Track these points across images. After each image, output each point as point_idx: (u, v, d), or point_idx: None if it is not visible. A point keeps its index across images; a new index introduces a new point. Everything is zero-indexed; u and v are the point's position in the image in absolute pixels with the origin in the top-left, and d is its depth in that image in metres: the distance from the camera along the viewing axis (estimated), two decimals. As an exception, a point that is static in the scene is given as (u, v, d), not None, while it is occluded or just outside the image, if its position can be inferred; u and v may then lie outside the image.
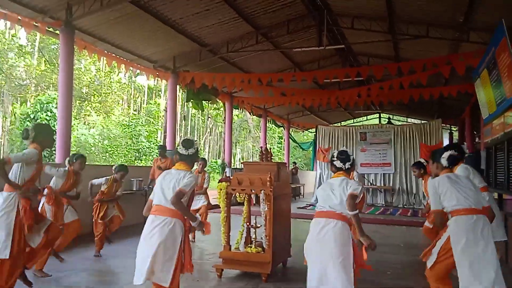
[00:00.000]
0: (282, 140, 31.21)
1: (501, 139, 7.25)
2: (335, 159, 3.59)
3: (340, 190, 3.39)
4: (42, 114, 19.83)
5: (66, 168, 5.50)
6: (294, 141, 25.04)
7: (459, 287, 3.34)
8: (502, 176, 7.10)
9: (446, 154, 3.70)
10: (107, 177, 6.27)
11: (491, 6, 8.10)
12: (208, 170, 8.66)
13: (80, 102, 28.12)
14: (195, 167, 7.34)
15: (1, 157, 3.84)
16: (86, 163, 5.78)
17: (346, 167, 3.56)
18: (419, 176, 6.19)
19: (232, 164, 17.51)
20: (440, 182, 3.58)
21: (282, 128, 24.07)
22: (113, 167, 6.46)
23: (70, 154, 6.47)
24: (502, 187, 7.14)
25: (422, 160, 6.33)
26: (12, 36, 24.92)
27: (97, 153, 25.78)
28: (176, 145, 3.58)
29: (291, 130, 23.49)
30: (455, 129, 21.42)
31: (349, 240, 3.29)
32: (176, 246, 3.25)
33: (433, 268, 3.54)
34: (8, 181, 3.94)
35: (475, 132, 15.64)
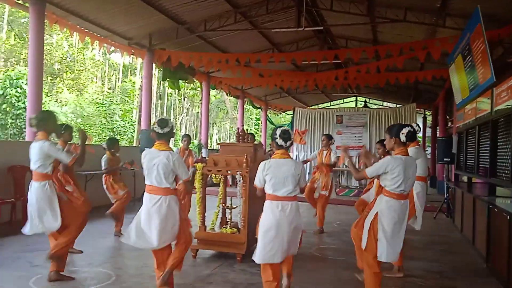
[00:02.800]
0: (260, 122, 31.17)
1: (472, 124, 7.41)
2: (278, 137, 3.69)
3: (291, 175, 3.61)
4: (12, 90, 19.09)
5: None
6: (272, 122, 25.04)
7: (377, 253, 3.70)
8: (472, 160, 7.28)
9: (405, 130, 3.76)
10: (105, 157, 6.34)
11: (468, -8, 8.18)
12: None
13: (51, 78, 27.19)
14: (180, 144, 7.69)
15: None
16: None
17: (287, 145, 3.74)
18: (382, 153, 6.20)
19: (209, 145, 17.42)
20: (396, 163, 3.70)
21: (259, 110, 23.99)
22: (104, 144, 6.63)
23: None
24: (472, 170, 7.34)
25: None
26: (-22, 8, 23.81)
27: (70, 132, 25.15)
28: (152, 124, 3.77)
29: (268, 111, 23.45)
30: (429, 113, 21.81)
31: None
32: (176, 216, 3.72)
33: (366, 249, 3.76)
34: None
35: (448, 117, 15.95)
